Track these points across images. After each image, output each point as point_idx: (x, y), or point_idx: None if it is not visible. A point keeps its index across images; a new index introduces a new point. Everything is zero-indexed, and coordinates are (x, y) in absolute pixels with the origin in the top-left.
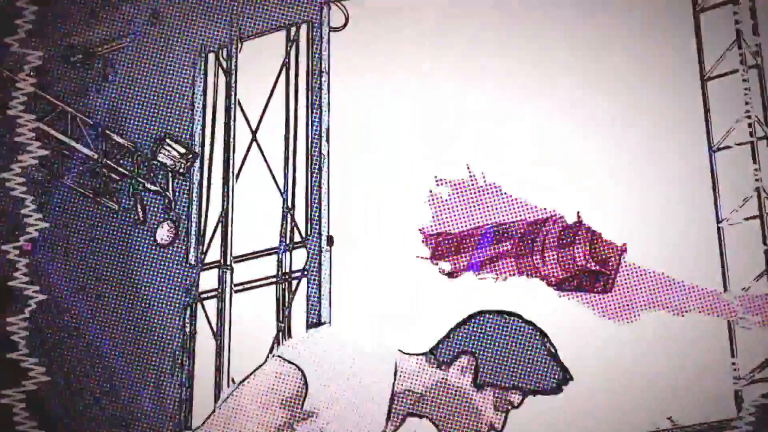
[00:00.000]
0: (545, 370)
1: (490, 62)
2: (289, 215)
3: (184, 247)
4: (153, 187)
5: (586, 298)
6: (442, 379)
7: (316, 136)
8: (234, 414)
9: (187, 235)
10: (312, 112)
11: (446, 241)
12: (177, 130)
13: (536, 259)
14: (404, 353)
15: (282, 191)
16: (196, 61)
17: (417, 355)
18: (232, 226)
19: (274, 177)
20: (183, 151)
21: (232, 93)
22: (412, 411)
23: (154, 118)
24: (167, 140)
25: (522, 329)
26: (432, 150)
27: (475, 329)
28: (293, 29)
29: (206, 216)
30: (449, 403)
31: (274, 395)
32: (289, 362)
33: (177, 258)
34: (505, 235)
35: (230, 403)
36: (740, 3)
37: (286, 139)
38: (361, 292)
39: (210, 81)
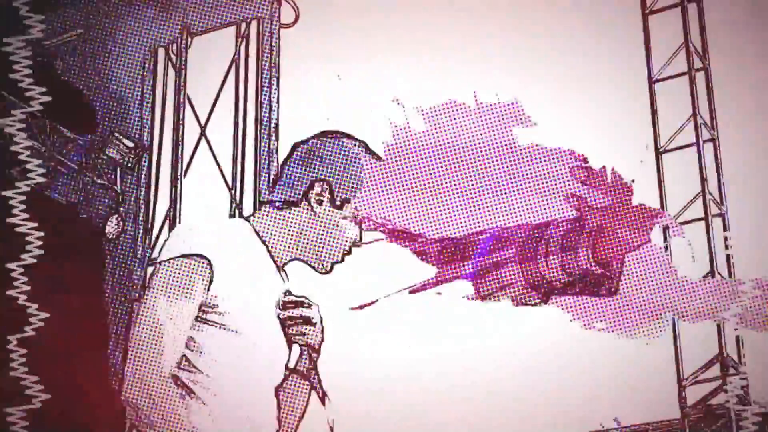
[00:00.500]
0: None
1: (444, 60)
2: (237, 211)
3: (131, 242)
4: (101, 181)
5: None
6: (302, 216)
7: (265, 132)
8: (151, 329)
9: (134, 230)
10: (261, 108)
11: (448, 247)
12: (126, 124)
13: (541, 264)
14: (248, 217)
15: (230, 187)
16: (146, 55)
17: (263, 208)
18: (179, 221)
19: (222, 172)
20: (131, 145)
21: (182, 88)
22: (292, 259)
23: (102, 112)
24: (115, 134)
25: (343, 143)
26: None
27: (306, 156)
28: (243, 25)
29: (154, 211)
30: (316, 234)
31: (178, 291)
32: (189, 256)
33: (124, 252)
34: (509, 240)
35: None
36: (688, 6)
37: (235, 134)
38: (308, 287)
39: (159, 75)
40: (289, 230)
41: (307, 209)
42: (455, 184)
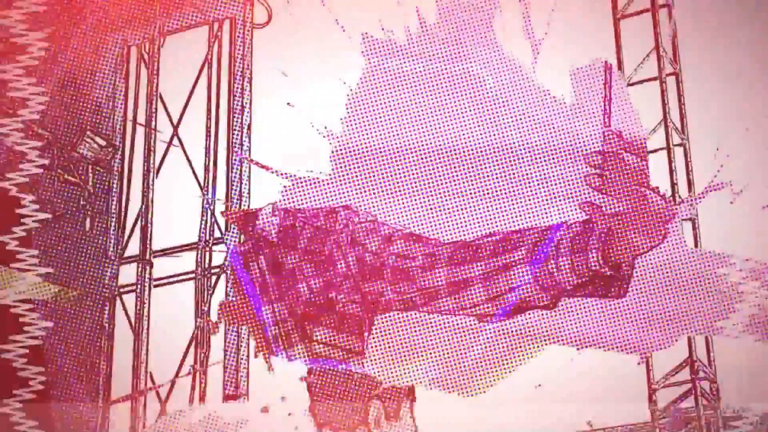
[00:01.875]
0: None
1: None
2: (209, 210)
3: (103, 241)
4: (73, 179)
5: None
6: None
7: (238, 132)
8: None
9: (106, 229)
10: (233, 108)
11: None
12: (98, 122)
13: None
14: None
15: (202, 186)
16: (118, 54)
17: None
18: (152, 220)
19: (194, 172)
20: (103, 143)
21: (154, 87)
22: None
23: (74, 110)
24: (87, 132)
25: None
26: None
27: None
28: (216, 25)
29: (126, 209)
30: None
31: None
32: None
33: (96, 251)
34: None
35: None
36: (659, 11)
37: (208, 133)
38: None
39: (132, 74)
40: None
41: None
42: (464, 187)
